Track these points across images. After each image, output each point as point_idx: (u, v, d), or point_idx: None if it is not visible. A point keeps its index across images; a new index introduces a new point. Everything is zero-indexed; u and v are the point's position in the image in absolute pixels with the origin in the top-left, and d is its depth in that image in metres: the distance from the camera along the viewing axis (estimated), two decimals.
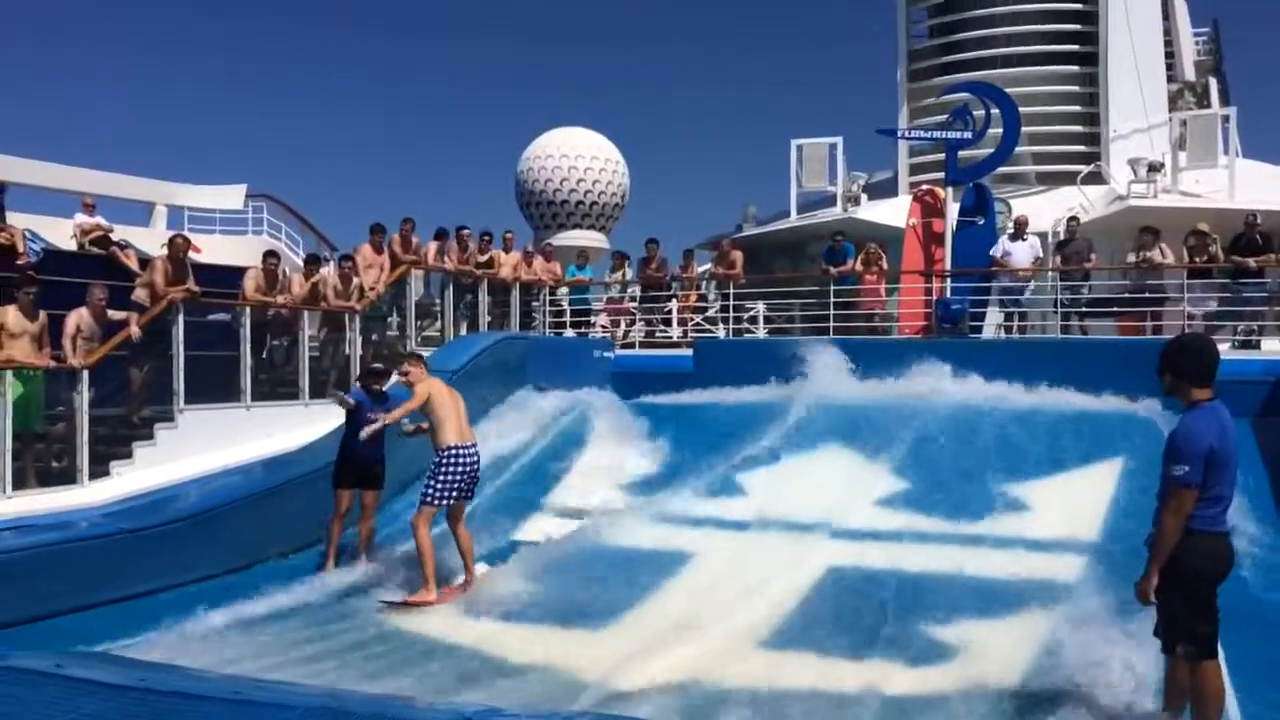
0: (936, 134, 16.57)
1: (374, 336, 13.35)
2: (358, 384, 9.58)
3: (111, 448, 9.65)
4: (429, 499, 7.92)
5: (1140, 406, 9.76)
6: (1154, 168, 17.19)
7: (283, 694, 4.13)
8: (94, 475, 9.23)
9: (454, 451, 7.95)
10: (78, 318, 9.48)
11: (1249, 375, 10.60)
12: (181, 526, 8.27)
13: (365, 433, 8.25)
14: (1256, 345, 13.33)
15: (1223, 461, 4.72)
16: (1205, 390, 4.86)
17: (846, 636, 6.87)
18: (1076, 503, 8.84)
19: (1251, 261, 13.37)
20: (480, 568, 8.49)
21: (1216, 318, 13.47)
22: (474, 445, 8.15)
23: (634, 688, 5.95)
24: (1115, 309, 14.17)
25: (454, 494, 7.98)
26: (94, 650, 6.08)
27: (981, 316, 14.95)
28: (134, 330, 9.77)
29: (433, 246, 14.29)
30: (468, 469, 8.00)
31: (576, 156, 25.82)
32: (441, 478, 7.91)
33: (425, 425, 8.19)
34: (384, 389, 9.22)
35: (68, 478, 9.10)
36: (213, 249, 17.34)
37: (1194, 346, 5.05)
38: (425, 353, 11.67)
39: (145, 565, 7.82)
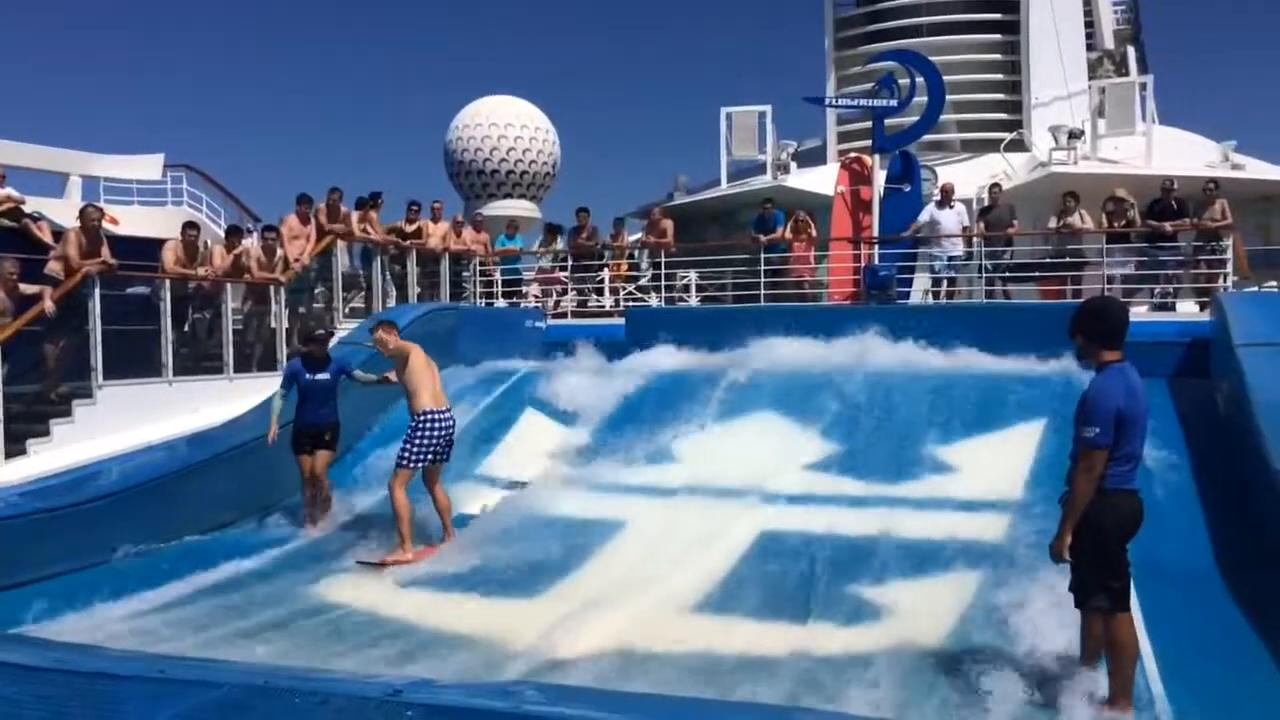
0: (863, 102, 16.73)
1: (300, 309, 13.13)
2: (298, 353, 9.68)
3: (28, 425, 9.40)
4: (405, 462, 8.17)
5: (1060, 368, 9.96)
6: (1074, 135, 17.54)
7: (207, 671, 4.07)
8: (10, 454, 9.00)
9: (430, 416, 8.20)
10: None
11: (1165, 337, 10.89)
12: (102, 505, 8.07)
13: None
14: (1172, 308, 13.73)
15: (1132, 421, 4.84)
16: (1115, 352, 4.97)
17: (777, 600, 6.95)
18: (1001, 463, 9.01)
19: (1168, 226, 13.73)
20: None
21: (1134, 281, 13.82)
22: (449, 410, 8.45)
23: (566, 655, 5.96)
24: (1037, 273, 14.47)
25: (429, 456, 8.24)
26: (9, 632, 5.92)
27: (909, 283, 15.17)
28: (47, 305, 9.49)
29: (354, 216, 14.05)
30: (443, 433, 8.26)
31: (506, 125, 25.52)
32: (418, 441, 8.16)
33: (390, 376, 8.67)
34: (326, 355, 9.32)
35: None
36: (131, 220, 16.92)
37: (1103, 309, 5.17)
38: (351, 324, 11.56)
39: (64, 545, 7.60)
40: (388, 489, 8.28)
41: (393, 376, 8.73)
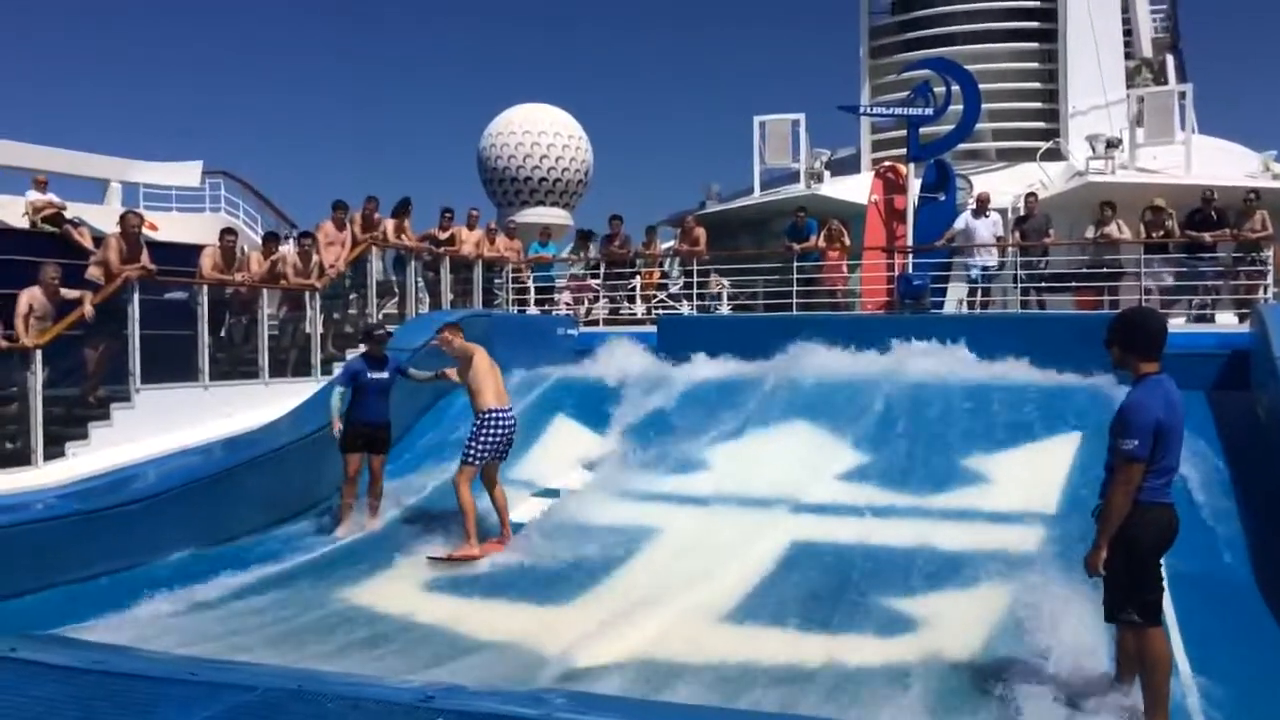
0: (898, 111, 16.60)
1: (335, 315, 13.23)
2: (361, 349, 9.88)
3: (67, 428, 9.50)
4: (470, 459, 8.42)
5: (1097, 380, 9.86)
6: (1112, 144, 17.35)
7: (243, 674, 4.12)
8: (49, 456, 9.08)
9: (494, 414, 8.46)
10: (30, 297, 9.29)
11: (1204, 348, 10.76)
12: (139, 507, 8.17)
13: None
14: (1211, 319, 13.54)
15: (1169, 434, 4.79)
16: (1153, 364, 4.91)
17: (808, 610, 6.91)
18: (1036, 475, 8.93)
19: (1207, 236, 13.55)
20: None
21: (1172, 292, 13.64)
22: (511, 409, 8.69)
23: (597, 663, 5.96)
24: (1073, 284, 14.32)
25: (493, 454, 8.50)
26: (49, 633, 6.00)
27: (943, 292, 15.06)
28: (87, 309, 9.61)
29: (390, 224, 14.13)
30: (506, 431, 8.53)
31: (540, 133, 25.63)
32: (483, 438, 8.41)
33: (448, 372, 9.04)
34: (385, 353, 9.51)
35: (22, 459, 8.93)
36: (169, 226, 17.10)
37: (1141, 320, 5.11)
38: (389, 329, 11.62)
39: (102, 546, 7.71)
40: (452, 485, 8.53)
41: (451, 374, 9.04)
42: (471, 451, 8.42)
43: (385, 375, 9.36)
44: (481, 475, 8.58)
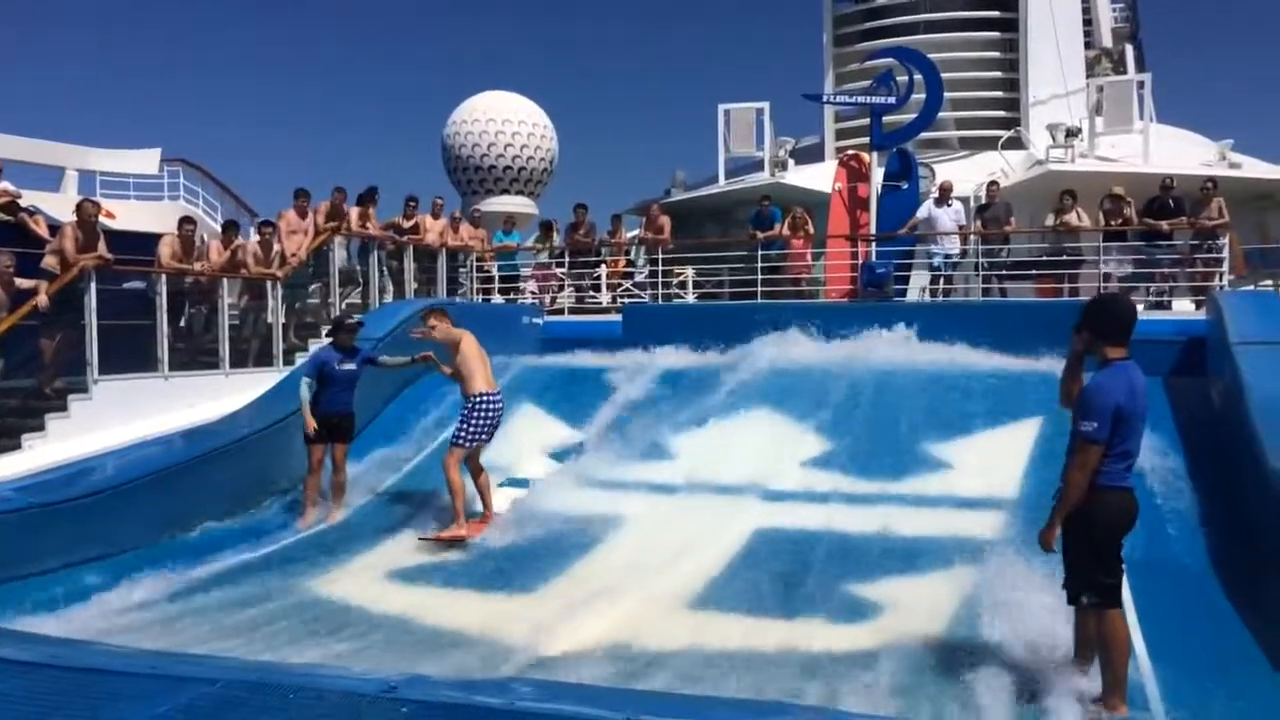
0: (861, 99, 16.71)
1: (296, 304, 13.12)
2: (327, 340, 9.65)
3: (23, 420, 9.39)
4: (461, 441, 8.48)
5: (1058, 366, 9.95)
6: (1072, 133, 17.55)
7: (203, 666, 4.07)
8: (4, 449, 8.99)
9: (485, 398, 8.55)
10: None
11: (1161, 335, 10.88)
12: (97, 500, 8.04)
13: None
14: (1168, 306, 13.74)
15: (1130, 419, 4.86)
16: (1120, 349, 4.98)
17: (773, 597, 6.95)
18: (997, 461, 9.02)
19: (1164, 224, 13.74)
20: (410, 535, 8.51)
21: (1131, 279, 13.82)
22: (499, 393, 8.78)
23: (562, 652, 5.96)
24: (1034, 271, 14.48)
25: (483, 437, 8.57)
26: (2, 627, 5.90)
27: (906, 280, 15.17)
28: (42, 299, 9.47)
29: (354, 212, 14.02)
30: (495, 414, 8.62)
31: (504, 121, 25.50)
32: (474, 422, 8.49)
33: (430, 355, 9.09)
34: (354, 344, 9.41)
35: None
36: (127, 215, 16.88)
37: (1112, 306, 5.19)
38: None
39: (59, 540, 7.59)
40: (441, 466, 8.54)
41: (429, 357, 9.10)
42: (462, 434, 8.47)
43: (354, 367, 9.27)
44: (466, 457, 8.59)
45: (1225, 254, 13.55)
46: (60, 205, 14.86)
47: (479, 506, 8.76)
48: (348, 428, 9.37)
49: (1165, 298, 13.94)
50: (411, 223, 14.88)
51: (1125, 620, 5.14)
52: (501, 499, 9.21)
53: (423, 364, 9.34)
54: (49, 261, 10.27)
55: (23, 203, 13.05)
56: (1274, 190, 17.91)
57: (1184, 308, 13.49)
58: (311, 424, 8.99)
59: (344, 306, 13.59)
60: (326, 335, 9.55)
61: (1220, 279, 13.43)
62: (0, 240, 10.93)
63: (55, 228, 11.33)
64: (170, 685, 3.59)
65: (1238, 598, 6.50)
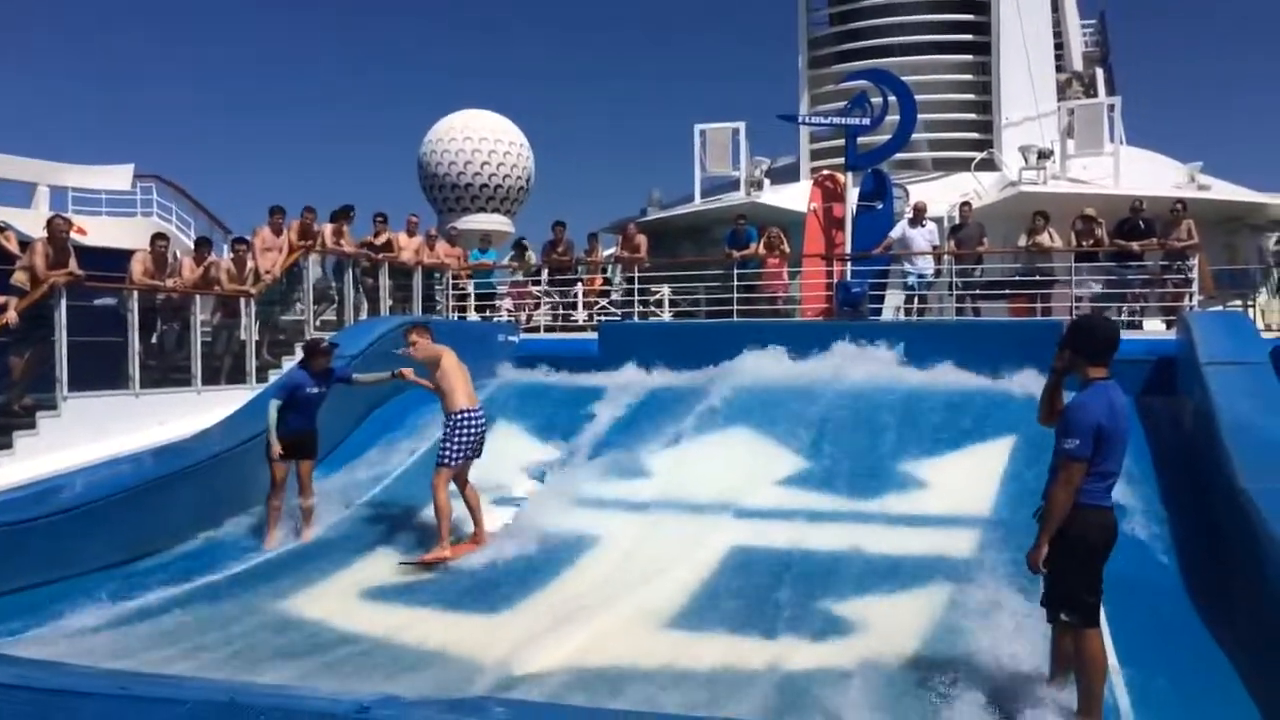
0: (836, 120, 16.82)
1: (270, 322, 13.03)
2: (299, 363, 9.48)
3: None
4: (446, 460, 8.38)
5: (1030, 385, 10.04)
6: (1043, 154, 17.73)
7: (172, 688, 4.03)
8: None
9: (466, 415, 8.46)
10: None
11: (1132, 355, 10.91)
12: (65, 518, 7.94)
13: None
14: (1139, 326, 13.88)
15: (1111, 438, 4.90)
16: (1101, 369, 5.04)
17: (748, 615, 6.94)
18: (971, 479, 9.07)
19: (1135, 245, 13.89)
20: (383, 554, 8.44)
21: (1102, 299, 13.96)
22: (481, 409, 8.69)
23: (534, 671, 5.93)
24: (1006, 291, 14.60)
25: (467, 454, 8.48)
26: None
27: (881, 299, 15.26)
28: (11, 315, 9.38)
29: (328, 229, 13.96)
30: (478, 431, 8.53)
31: (480, 139, 25.45)
32: (456, 440, 8.40)
33: (405, 372, 9.13)
34: (329, 365, 9.26)
35: None
36: (99, 231, 16.77)
37: (1092, 327, 5.27)
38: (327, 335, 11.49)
39: (26, 559, 7.47)
40: (430, 488, 8.40)
41: (408, 373, 9.10)
42: (447, 453, 8.38)
43: (324, 389, 9.16)
44: (454, 476, 8.52)
45: (1195, 275, 13.71)
46: (31, 221, 14.76)
47: (469, 528, 8.68)
48: (311, 445, 9.23)
49: (1136, 318, 14.09)
50: (383, 239, 14.78)
51: (1102, 639, 5.16)
52: (487, 518, 9.15)
53: (400, 380, 9.25)
54: (18, 278, 10.16)
55: None
56: (1243, 212, 18.16)
57: (1155, 328, 13.64)
58: (277, 448, 8.88)
59: (319, 324, 13.53)
60: (300, 360, 9.40)
61: (1190, 299, 13.58)
62: None
63: (25, 244, 11.22)
64: (140, 707, 3.55)
65: (1210, 615, 6.54)
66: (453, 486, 8.55)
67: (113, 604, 7.16)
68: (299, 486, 9.15)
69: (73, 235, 11.07)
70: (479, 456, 8.71)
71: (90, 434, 9.71)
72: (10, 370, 9.77)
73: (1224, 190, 18.32)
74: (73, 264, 10.24)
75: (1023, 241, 14.52)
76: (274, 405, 8.99)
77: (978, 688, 5.44)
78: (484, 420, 8.70)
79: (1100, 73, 22.74)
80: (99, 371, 10.31)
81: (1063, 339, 5.17)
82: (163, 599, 7.42)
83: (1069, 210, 14.73)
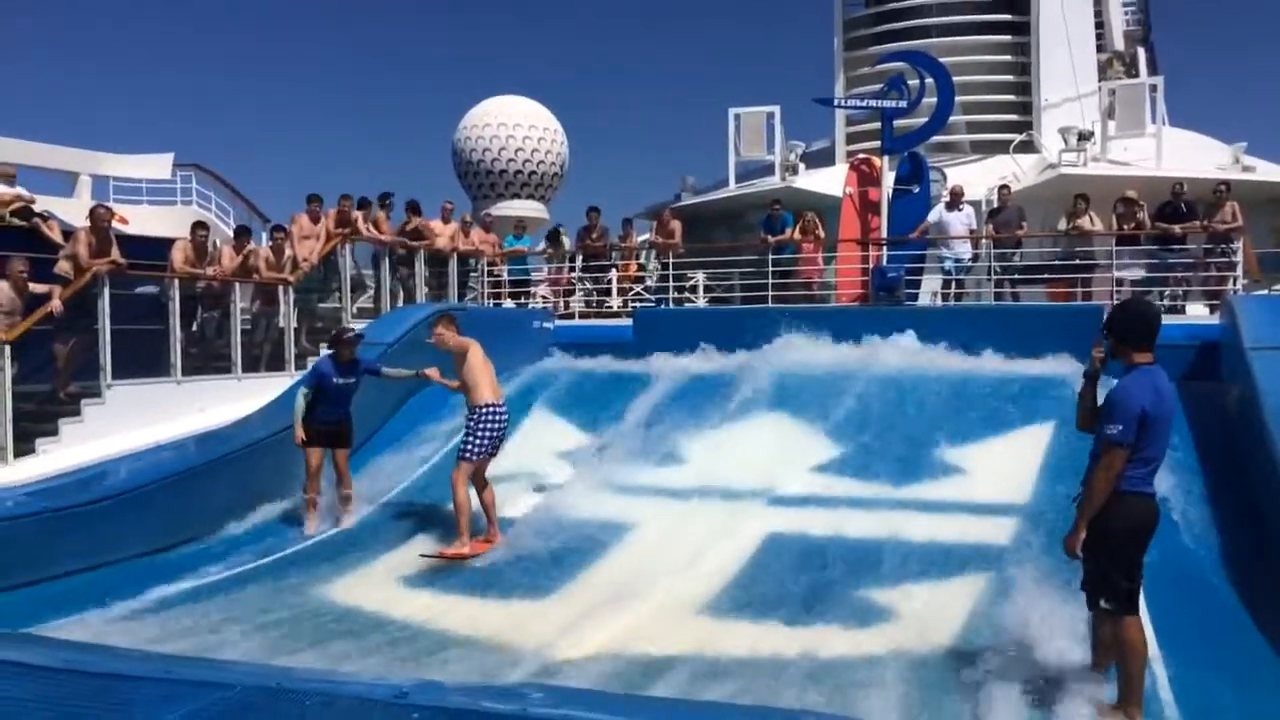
0: (872, 103, 16.64)
1: (308, 309, 13.13)
2: (326, 352, 9.52)
3: (37, 424, 9.41)
4: (468, 455, 8.32)
5: (1070, 370, 9.94)
6: (1084, 136, 17.46)
7: (216, 671, 4.08)
8: (19, 453, 8.99)
9: (490, 409, 8.40)
10: None
11: (1174, 340, 10.78)
12: (111, 504, 8.09)
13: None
14: (1181, 310, 13.66)
15: (1155, 424, 4.85)
16: (1146, 354, 4.99)
17: (783, 602, 6.94)
18: (1010, 466, 8.99)
19: (1177, 228, 13.67)
20: (421, 542, 8.50)
21: (1143, 284, 13.75)
22: (504, 404, 8.63)
23: (571, 658, 5.97)
24: (1045, 276, 14.41)
25: (490, 449, 8.42)
26: (17, 632, 5.93)
27: (917, 284, 15.12)
28: (56, 304, 9.50)
29: (359, 216, 14.01)
30: (500, 425, 8.49)
31: (514, 125, 25.50)
32: (480, 434, 8.34)
33: (428, 372, 9.03)
34: (354, 356, 9.33)
35: None
36: (140, 220, 16.93)
37: (1138, 310, 5.22)
38: (361, 325, 11.57)
39: (73, 544, 7.64)
40: (450, 482, 8.38)
41: (432, 374, 9.03)
42: (469, 447, 8.34)
43: (352, 380, 9.25)
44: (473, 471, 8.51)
45: (1239, 258, 13.47)
46: (74, 210, 14.93)
47: (485, 524, 8.67)
48: (346, 434, 9.35)
49: (1179, 302, 13.85)
50: (412, 226, 14.78)
51: (1142, 627, 5.12)
52: (513, 505, 9.19)
53: (424, 379, 9.21)
54: (63, 267, 10.32)
55: (37, 208, 13.10)
56: None
57: (1198, 312, 13.42)
58: (300, 435, 9.00)
59: (355, 311, 13.62)
60: (327, 347, 9.48)
61: (1234, 283, 13.35)
62: (14, 245, 10.95)
63: (69, 233, 11.37)
64: (185, 690, 3.60)
65: (1253, 603, 6.47)
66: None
67: (156, 589, 7.28)
68: (336, 475, 9.25)
69: (115, 224, 11.21)
70: (497, 453, 8.62)
71: (133, 421, 9.85)
72: (55, 358, 9.92)
73: (1269, 171, 17.94)
74: (115, 253, 10.37)
75: (1062, 225, 14.32)
76: (302, 393, 9.14)
77: (1017, 675, 5.41)
78: (507, 415, 8.63)
79: (1142, 52, 22.33)
80: (141, 359, 10.45)
81: (1106, 324, 5.11)
82: (205, 584, 7.54)
83: (1110, 193, 14.50)
